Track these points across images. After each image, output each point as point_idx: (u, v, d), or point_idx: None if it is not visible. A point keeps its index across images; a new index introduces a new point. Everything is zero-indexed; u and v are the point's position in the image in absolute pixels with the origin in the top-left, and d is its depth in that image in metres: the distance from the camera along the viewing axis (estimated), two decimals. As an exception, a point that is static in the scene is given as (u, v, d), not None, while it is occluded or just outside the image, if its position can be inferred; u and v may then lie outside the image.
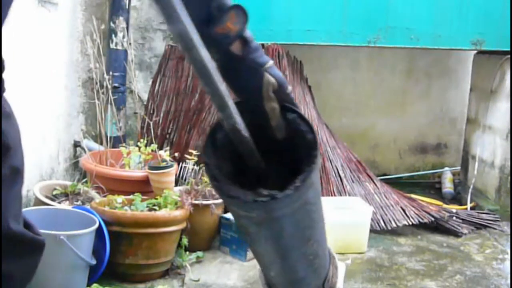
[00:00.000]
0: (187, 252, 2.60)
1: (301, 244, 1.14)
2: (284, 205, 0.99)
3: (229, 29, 0.98)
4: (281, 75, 1.05)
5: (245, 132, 0.98)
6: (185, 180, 3.10)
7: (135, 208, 2.49)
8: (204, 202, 2.70)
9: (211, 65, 0.88)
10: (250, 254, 2.68)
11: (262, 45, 3.27)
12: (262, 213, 1.01)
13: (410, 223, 3.16)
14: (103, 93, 3.14)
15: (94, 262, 2.23)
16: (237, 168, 1.07)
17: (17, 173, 0.96)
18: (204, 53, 0.86)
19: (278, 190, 0.99)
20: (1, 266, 0.96)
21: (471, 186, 3.71)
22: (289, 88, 1.07)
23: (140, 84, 3.83)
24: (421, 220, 3.17)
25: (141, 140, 3.02)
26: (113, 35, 3.57)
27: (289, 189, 0.98)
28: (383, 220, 3.17)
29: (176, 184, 2.95)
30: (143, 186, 2.77)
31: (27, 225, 1.04)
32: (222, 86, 0.91)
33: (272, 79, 1.02)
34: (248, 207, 0.99)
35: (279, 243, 1.11)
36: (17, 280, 1.02)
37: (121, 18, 3.58)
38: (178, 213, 2.49)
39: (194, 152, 2.93)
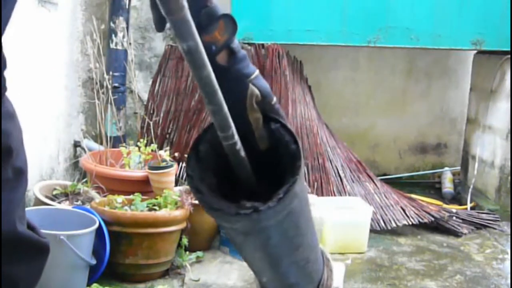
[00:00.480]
0: (187, 252, 2.60)
1: (291, 252, 1.14)
2: (268, 216, 0.99)
3: (217, 39, 0.97)
4: (267, 85, 1.05)
5: (242, 153, 0.98)
6: (185, 180, 3.10)
7: (135, 208, 2.49)
8: (204, 202, 2.70)
9: (216, 84, 0.88)
10: (250, 254, 2.68)
11: (262, 45, 3.28)
12: (246, 225, 1.01)
13: (410, 223, 3.16)
14: (103, 93, 3.14)
15: (94, 262, 2.23)
16: (220, 179, 1.06)
17: (21, 174, 0.95)
18: (211, 71, 0.86)
19: (264, 201, 0.98)
20: (8, 270, 0.95)
21: (471, 186, 3.71)
22: (274, 99, 1.06)
23: (140, 84, 3.84)
24: (421, 220, 3.17)
25: (141, 140, 3.02)
26: (113, 35, 3.57)
27: (272, 201, 0.98)
28: (383, 220, 3.17)
29: (176, 184, 2.95)
30: (143, 186, 2.77)
31: (30, 228, 1.03)
32: (225, 106, 0.91)
33: (256, 91, 1.02)
34: (232, 219, 0.99)
35: (267, 252, 1.10)
36: (23, 285, 1.01)
37: (121, 18, 3.58)
38: (178, 213, 2.49)
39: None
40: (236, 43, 1.01)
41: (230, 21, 0.97)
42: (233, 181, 1.05)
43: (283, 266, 1.16)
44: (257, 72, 1.04)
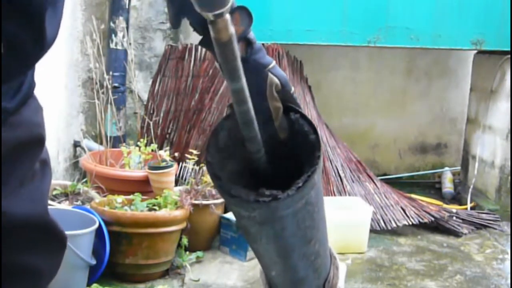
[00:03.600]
0: (187, 252, 2.60)
1: (303, 244, 1.14)
2: (286, 205, 1.00)
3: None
4: (285, 75, 1.07)
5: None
6: (185, 180, 3.10)
7: (135, 208, 2.49)
8: (204, 202, 2.70)
9: (254, 115, 0.97)
10: (250, 254, 2.68)
11: (262, 45, 3.28)
12: (264, 213, 1.01)
13: (410, 223, 3.16)
14: (103, 93, 3.14)
15: (94, 262, 2.23)
16: (239, 167, 1.07)
17: (46, 165, 0.98)
18: (251, 106, 0.95)
19: (280, 190, 0.99)
20: (35, 261, 0.97)
21: (471, 186, 3.71)
22: (292, 88, 1.08)
23: (140, 84, 3.83)
24: (421, 220, 3.17)
25: (141, 140, 3.02)
26: (113, 35, 3.57)
27: (291, 189, 0.99)
28: (383, 220, 3.17)
29: (176, 184, 2.95)
30: (143, 186, 2.77)
31: None
32: (259, 132, 1.00)
33: (276, 79, 1.04)
34: (250, 207, 1.00)
35: (281, 243, 1.11)
36: (45, 277, 1.03)
37: (121, 18, 3.58)
38: (178, 213, 2.49)
39: (194, 152, 2.93)
40: (252, 34, 1.03)
41: (246, 13, 0.98)
42: (252, 171, 1.06)
43: (294, 259, 1.17)
44: (274, 62, 1.05)
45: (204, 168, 2.89)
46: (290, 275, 1.22)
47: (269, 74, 1.03)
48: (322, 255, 1.25)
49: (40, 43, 0.82)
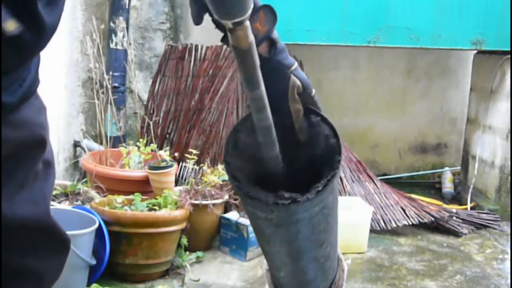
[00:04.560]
0: (187, 252, 2.60)
1: (315, 247, 1.14)
2: (304, 208, 0.99)
3: (258, 30, 0.96)
4: (306, 77, 1.06)
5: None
6: (185, 180, 3.11)
7: (135, 208, 2.49)
8: (204, 202, 2.70)
9: (272, 121, 0.97)
10: (250, 254, 2.68)
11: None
12: (282, 215, 1.00)
13: (410, 223, 3.16)
14: (103, 93, 3.14)
15: (94, 262, 2.23)
16: (257, 168, 1.06)
17: (49, 166, 0.97)
18: (270, 112, 0.96)
19: (297, 192, 0.98)
20: (35, 263, 0.97)
21: (471, 186, 3.71)
22: (313, 91, 1.07)
23: (140, 84, 3.83)
24: (421, 220, 3.17)
25: (141, 140, 3.01)
26: (113, 35, 3.57)
27: (311, 193, 0.98)
28: (383, 220, 3.17)
29: (176, 184, 2.95)
30: (143, 186, 2.77)
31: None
32: (276, 140, 1.00)
33: (298, 81, 1.03)
34: (268, 209, 0.99)
35: (294, 245, 1.10)
36: (47, 280, 1.02)
37: (121, 18, 3.58)
38: (178, 213, 2.49)
39: (194, 152, 2.93)
40: (276, 34, 1.02)
41: (270, 12, 0.96)
42: (268, 172, 1.06)
43: (305, 261, 1.16)
44: (296, 63, 1.04)
45: (204, 168, 2.89)
46: (299, 277, 1.22)
47: (292, 76, 1.02)
48: (332, 258, 1.24)
49: (37, 31, 0.80)
